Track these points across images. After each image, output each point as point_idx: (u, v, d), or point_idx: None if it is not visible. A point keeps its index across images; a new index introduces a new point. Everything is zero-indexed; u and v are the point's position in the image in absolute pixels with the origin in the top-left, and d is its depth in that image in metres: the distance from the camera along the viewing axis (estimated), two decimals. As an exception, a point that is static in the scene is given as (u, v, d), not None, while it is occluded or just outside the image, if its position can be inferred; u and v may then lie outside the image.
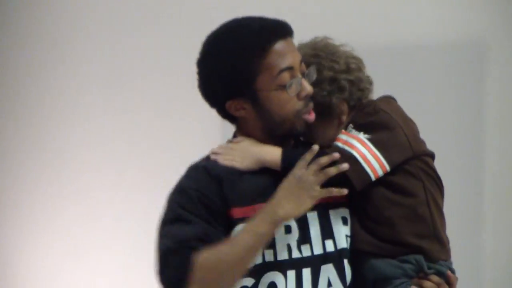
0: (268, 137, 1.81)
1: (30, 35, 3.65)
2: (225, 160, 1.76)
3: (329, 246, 1.80)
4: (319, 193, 1.66)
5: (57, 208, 3.74)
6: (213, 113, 1.92)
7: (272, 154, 1.76)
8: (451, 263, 1.87)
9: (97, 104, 3.65)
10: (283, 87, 1.73)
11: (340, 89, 1.85)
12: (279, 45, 1.73)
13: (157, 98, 3.53)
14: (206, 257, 1.66)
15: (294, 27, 1.82)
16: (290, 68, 1.73)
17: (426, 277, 1.82)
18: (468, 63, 3.71)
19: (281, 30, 1.75)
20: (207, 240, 1.69)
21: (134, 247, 3.67)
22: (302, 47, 1.85)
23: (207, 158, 1.83)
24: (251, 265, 1.69)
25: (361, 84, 1.87)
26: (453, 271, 1.85)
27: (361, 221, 1.82)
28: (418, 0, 3.66)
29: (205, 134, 3.23)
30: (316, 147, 1.66)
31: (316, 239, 1.79)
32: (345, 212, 1.83)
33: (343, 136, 1.78)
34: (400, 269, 1.81)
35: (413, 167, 1.83)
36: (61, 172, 3.70)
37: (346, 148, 1.75)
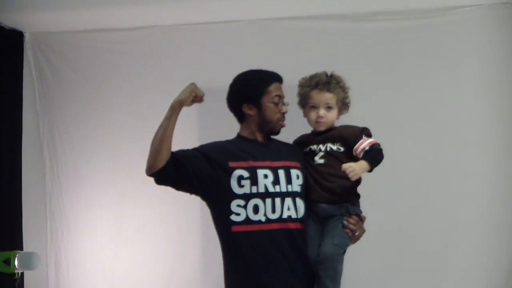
0: (259, 131, 3.17)
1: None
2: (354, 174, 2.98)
3: (289, 188, 3.07)
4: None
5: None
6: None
7: (366, 166, 3.00)
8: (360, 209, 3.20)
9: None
10: (275, 104, 3.13)
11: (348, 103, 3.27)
12: (276, 84, 3.16)
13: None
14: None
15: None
16: (279, 96, 3.15)
17: (350, 216, 3.08)
18: None
19: (278, 77, 3.18)
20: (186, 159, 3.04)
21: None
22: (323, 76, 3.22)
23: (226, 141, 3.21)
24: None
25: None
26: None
27: (317, 183, 3.09)
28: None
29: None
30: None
31: (282, 183, 3.07)
32: (298, 172, 3.12)
33: (369, 140, 3.10)
34: (338, 210, 3.07)
35: None
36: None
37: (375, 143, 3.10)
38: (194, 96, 2.99)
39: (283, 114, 3.15)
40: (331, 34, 4.85)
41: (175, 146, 3.04)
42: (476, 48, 4.74)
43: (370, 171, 3.02)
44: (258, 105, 3.11)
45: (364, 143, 3.05)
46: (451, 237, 4.70)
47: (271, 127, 3.15)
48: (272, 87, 3.12)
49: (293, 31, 4.89)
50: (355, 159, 3.07)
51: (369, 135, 3.11)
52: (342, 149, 3.10)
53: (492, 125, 4.71)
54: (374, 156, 3.03)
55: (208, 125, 4.65)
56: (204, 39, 5.02)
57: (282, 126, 3.18)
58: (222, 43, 4.98)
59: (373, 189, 4.42)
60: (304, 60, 4.55)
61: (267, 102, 3.11)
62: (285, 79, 3.20)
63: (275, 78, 3.16)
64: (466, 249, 4.67)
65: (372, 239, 4.34)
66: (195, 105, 3.06)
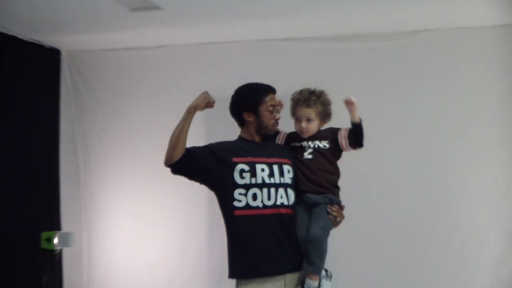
0: (257, 134, 3.46)
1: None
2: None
3: (281, 180, 3.37)
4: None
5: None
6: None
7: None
8: (340, 199, 3.49)
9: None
10: (270, 112, 3.42)
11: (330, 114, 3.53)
12: (271, 95, 3.46)
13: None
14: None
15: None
16: (273, 105, 3.44)
17: (333, 205, 3.41)
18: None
19: (272, 89, 3.48)
20: (197, 154, 3.33)
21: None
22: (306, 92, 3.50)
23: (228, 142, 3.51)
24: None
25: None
26: None
27: (306, 176, 3.43)
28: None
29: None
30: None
31: (276, 176, 3.37)
32: (289, 167, 3.42)
33: (342, 129, 3.40)
34: (322, 199, 3.41)
35: None
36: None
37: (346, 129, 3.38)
38: (207, 102, 3.31)
39: (276, 120, 3.49)
40: (317, 52, 5.06)
41: (187, 144, 3.30)
42: (442, 67, 4.93)
43: (358, 136, 3.34)
44: (256, 113, 3.43)
45: (341, 134, 3.42)
46: (453, 237, 4.82)
47: (267, 131, 3.47)
48: (268, 98, 3.43)
49: (287, 50, 5.11)
50: (338, 155, 3.47)
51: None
52: (327, 146, 3.42)
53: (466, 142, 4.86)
54: (357, 137, 3.38)
55: (214, 128, 4.83)
56: (212, 56, 5.27)
57: (276, 130, 3.54)
58: (226, 59, 5.24)
59: (381, 191, 4.84)
60: (296, 75, 4.80)
61: (264, 111, 3.42)
62: (278, 90, 3.51)
63: (270, 90, 3.47)
64: (467, 249, 4.80)
65: (378, 239, 4.85)
66: (204, 111, 3.38)
